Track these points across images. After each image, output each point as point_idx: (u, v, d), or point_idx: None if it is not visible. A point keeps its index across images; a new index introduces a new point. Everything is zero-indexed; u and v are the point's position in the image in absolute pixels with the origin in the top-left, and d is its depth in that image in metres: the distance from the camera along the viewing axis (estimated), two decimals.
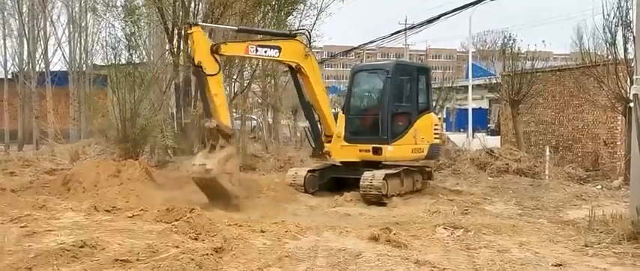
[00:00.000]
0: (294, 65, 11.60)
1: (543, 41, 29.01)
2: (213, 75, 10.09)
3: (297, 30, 11.80)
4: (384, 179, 11.02)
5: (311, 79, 11.71)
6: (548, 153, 15.67)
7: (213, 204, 9.65)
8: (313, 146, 12.20)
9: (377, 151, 11.71)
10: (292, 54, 11.44)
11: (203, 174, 9.71)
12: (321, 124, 12.30)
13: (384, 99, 12.02)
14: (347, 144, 12.05)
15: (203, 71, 10.02)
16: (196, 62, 10.06)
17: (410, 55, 62.34)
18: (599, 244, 7.34)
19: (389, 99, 11.91)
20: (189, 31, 10.22)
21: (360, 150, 11.92)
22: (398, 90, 12.27)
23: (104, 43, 17.66)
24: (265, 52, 11.09)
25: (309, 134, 12.40)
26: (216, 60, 10.18)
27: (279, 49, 11.16)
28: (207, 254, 6.22)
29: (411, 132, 12.11)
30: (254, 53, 11.06)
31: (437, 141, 12.90)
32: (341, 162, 12.39)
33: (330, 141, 12.18)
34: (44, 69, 24.72)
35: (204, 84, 10.18)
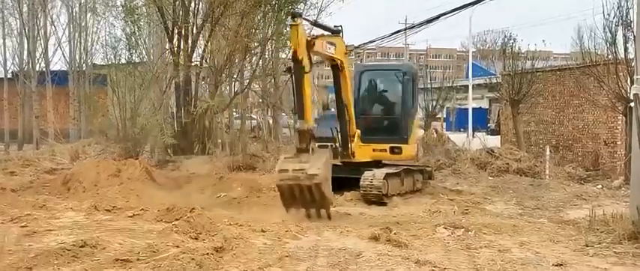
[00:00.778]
0: (339, 62, 11.08)
1: (544, 41, 29.06)
2: (308, 73, 9.52)
3: (336, 26, 11.29)
4: (384, 178, 11.02)
5: (346, 77, 11.41)
6: (548, 152, 15.66)
7: (295, 212, 9.02)
8: (340, 147, 11.56)
9: (395, 151, 11.91)
10: (340, 50, 11.02)
11: (304, 179, 8.80)
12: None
13: (403, 99, 12.41)
14: (361, 144, 12.06)
15: (303, 67, 9.31)
16: (300, 57, 9.27)
17: (410, 54, 62.33)
18: (600, 244, 7.34)
19: (406, 100, 12.36)
20: (293, 23, 9.42)
21: (374, 150, 11.99)
22: (409, 91, 12.62)
23: (104, 43, 17.67)
24: (329, 48, 10.57)
25: (337, 135, 12.06)
26: (309, 57, 9.63)
27: (334, 45, 10.75)
28: (207, 253, 6.21)
29: (414, 132, 12.67)
30: (324, 49, 10.40)
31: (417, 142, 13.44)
32: (342, 162, 12.38)
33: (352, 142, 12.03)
34: (44, 69, 24.74)
35: (300, 82, 9.37)
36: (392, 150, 12.06)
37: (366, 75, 13.08)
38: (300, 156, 9.15)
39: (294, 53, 9.35)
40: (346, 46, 11.53)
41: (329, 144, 11.53)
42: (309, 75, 9.73)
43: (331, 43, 10.62)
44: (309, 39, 9.62)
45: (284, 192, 9.07)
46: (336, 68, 11.22)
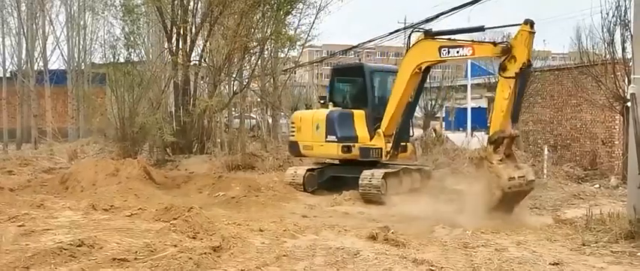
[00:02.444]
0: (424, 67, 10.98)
1: (544, 40, 29.06)
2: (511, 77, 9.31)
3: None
4: (383, 178, 11.04)
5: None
6: (546, 152, 15.68)
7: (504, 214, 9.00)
8: (395, 148, 11.68)
9: (402, 149, 12.05)
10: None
11: (524, 186, 9.22)
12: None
13: (415, 99, 12.37)
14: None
15: (528, 73, 9.39)
16: (529, 61, 9.26)
17: None
18: (597, 243, 7.35)
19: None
20: (531, 31, 9.16)
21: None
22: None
23: (103, 42, 17.67)
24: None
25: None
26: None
27: None
28: (205, 252, 6.22)
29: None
30: None
31: None
32: (340, 161, 12.41)
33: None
34: (43, 68, 24.72)
35: (525, 86, 9.58)
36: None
37: (374, 75, 13.03)
38: (509, 161, 9.28)
39: (528, 60, 9.25)
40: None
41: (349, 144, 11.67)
42: None
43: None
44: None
45: (509, 197, 9.10)
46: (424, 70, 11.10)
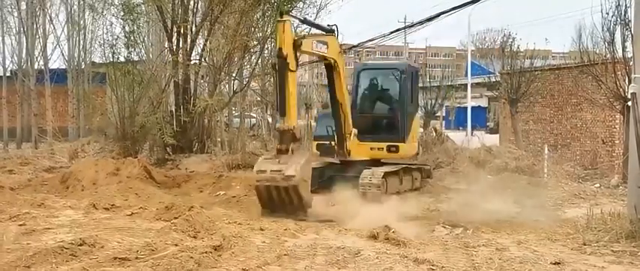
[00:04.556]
0: (332, 61, 11.17)
1: (546, 39, 29.12)
2: (293, 71, 9.56)
3: (329, 25, 11.39)
4: (383, 177, 11.04)
5: (341, 76, 11.48)
6: (546, 151, 15.69)
7: (271, 212, 9.05)
8: (335, 145, 11.78)
9: (392, 149, 11.92)
10: (333, 49, 11.08)
11: (281, 181, 8.85)
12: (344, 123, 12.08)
13: (401, 98, 12.39)
14: (358, 142, 12.08)
15: (287, 64, 9.36)
16: (284, 54, 9.32)
17: (409, 53, 62.33)
18: (598, 242, 7.35)
19: (405, 99, 12.35)
20: (280, 20, 9.52)
21: (372, 148, 12.02)
22: (409, 91, 12.63)
23: (103, 41, 17.63)
24: (319, 47, 10.62)
25: (335, 132, 12.13)
26: (296, 56, 9.69)
27: (326, 44, 10.82)
28: (206, 252, 6.22)
29: (413, 130, 12.70)
30: (314, 48, 10.48)
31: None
32: (340, 161, 12.41)
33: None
34: (43, 67, 24.69)
35: (284, 79, 9.38)
36: (389, 149, 12.03)
37: (365, 74, 13.09)
38: (279, 156, 9.14)
39: (280, 50, 9.35)
40: (341, 45, 11.58)
41: (326, 142, 11.60)
42: (295, 74, 9.74)
43: (323, 42, 10.65)
44: (296, 38, 9.68)
45: (261, 193, 9.06)
46: (330, 67, 11.29)
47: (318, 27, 11.70)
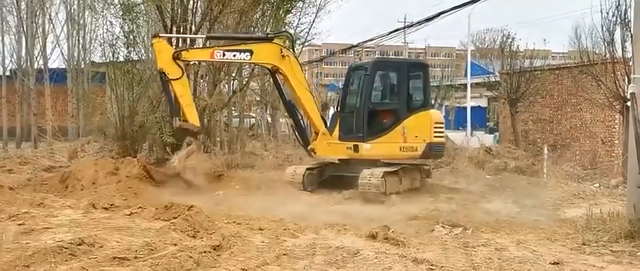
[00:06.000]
0: (270, 67, 12.06)
1: (544, 39, 29.16)
2: (176, 79, 11.14)
3: (278, 32, 12.20)
4: (382, 177, 11.04)
5: (290, 80, 11.90)
6: (546, 151, 15.70)
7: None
8: (302, 143, 12.65)
9: (355, 149, 11.80)
10: (266, 56, 11.92)
11: (171, 169, 11.33)
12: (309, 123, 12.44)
13: (361, 96, 12.14)
14: (338, 141, 12.08)
15: (166, 76, 11.11)
16: (159, 68, 11.30)
17: (409, 52, 62.30)
18: (597, 242, 7.36)
19: (365, 97, 12.03)
20: (151, 42, 11.62)
21: (348, 148, 11.98)
22: (378, 87, 12.48)
23: (102, 41, 17.59)
24: (234, 55, 11.77)
25: (295, 132, 12.60)
26: (178, 65, 11.25)
27: (250, 52, 11.69)
28: (205, 251, 6.22)
29: (399, 129, 12.03)
30: (221, 57, 11.92)
31: (438, 139, 12.50)
32: (339, 160, 12.40)
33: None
34: (42, 67, 24.67)
35: (166, 87, 11.30)
36: (354, 149, 11.83)
37: (351, 73, 13.06)
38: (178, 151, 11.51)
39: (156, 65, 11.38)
40: (288, 49, 12.05)
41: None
42: (183, 80, 11.33)
43: (243, 51, 11.63)
44: (174, 51, 11.52)
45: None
46: (270, 71, 12.27)
47: (240, 38, 12.78)
